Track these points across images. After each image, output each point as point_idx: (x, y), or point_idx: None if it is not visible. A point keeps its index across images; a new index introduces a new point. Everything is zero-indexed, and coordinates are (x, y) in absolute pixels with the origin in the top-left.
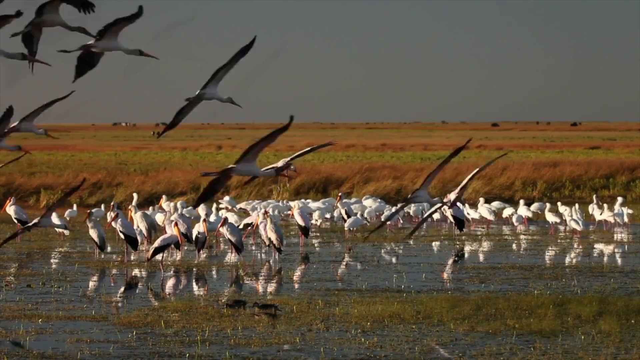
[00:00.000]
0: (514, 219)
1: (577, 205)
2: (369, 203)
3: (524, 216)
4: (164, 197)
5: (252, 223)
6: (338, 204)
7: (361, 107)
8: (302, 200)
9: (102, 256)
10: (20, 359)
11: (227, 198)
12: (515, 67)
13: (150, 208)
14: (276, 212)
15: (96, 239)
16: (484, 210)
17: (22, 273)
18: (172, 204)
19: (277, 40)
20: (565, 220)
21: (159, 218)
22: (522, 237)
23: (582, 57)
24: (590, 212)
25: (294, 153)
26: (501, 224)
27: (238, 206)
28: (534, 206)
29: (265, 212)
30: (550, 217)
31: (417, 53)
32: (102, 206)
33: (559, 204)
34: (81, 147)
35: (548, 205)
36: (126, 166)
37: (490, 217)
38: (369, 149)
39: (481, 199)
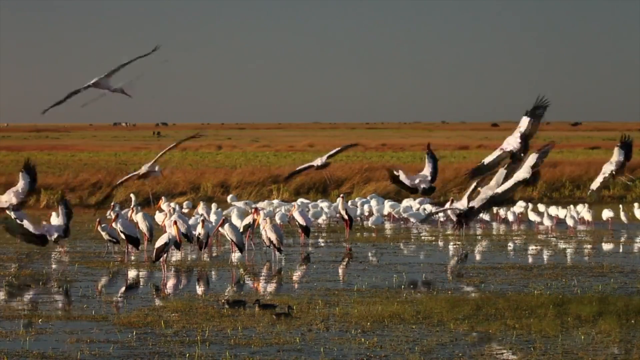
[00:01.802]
0: (509, 217)
1: (572, 205)
2: (374, 203)
3: (517, 213)
4: (163, 197)
5: (250, 224)
6: (340, 205)
7: (361, 107)
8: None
9: (102, 256)
10: (20, 359)
11: (231, 196)
12: (515, 67)
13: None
14: (284, 211)
15: (112, 237)
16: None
17: (22, 273)
18: (172, 205)
19: (277, 40)
20: (545, 220)
21: (159, 218)
22: (521, 237)
23: (582, 57)
24: (580, 212)
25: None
26: (500, 224)
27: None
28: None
29: (257, 210)
30: (532, 216)
31: (417, 53)
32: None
33: (538, 204)
34: (81, 147)
35: (530, 205)
36: (126, 166)
37: (486, 217)
38: (369, 149)
39: None
